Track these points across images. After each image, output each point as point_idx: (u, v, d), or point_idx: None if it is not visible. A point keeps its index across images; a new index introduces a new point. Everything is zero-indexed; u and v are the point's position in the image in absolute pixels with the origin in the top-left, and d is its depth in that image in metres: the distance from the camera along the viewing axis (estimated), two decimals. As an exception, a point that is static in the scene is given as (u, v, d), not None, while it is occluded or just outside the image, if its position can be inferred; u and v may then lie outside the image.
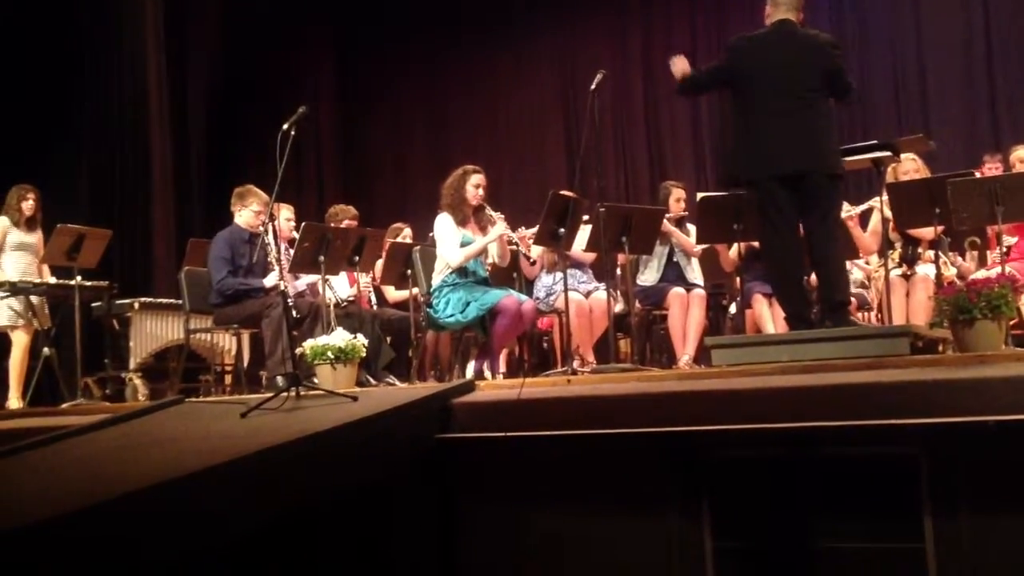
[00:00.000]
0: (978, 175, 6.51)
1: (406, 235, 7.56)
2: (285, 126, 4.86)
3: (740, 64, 5.29)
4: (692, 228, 6.83)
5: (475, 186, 6.10)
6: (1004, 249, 6.02)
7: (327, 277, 6.23)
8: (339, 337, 5.36)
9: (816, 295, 5.39)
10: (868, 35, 9.00)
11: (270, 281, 6.24)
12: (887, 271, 6.07)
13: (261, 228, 6.07)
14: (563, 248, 6.28)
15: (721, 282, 7.32)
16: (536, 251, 6.83)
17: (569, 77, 9.95)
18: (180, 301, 6.88)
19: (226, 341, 7.34)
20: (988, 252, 6.44)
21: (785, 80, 5.11)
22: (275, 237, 6.11)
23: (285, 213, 6.80)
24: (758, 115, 5.18)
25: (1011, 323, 5.23)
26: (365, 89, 10.64)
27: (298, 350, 5.32)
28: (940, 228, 6.03)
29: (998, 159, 6.99)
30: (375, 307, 7.16)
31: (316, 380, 5.25)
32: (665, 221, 6.72)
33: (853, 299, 5.85)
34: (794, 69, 5.11)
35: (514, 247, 6.32)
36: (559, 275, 6.69)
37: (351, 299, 6.79)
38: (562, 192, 6.41)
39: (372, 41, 10.53)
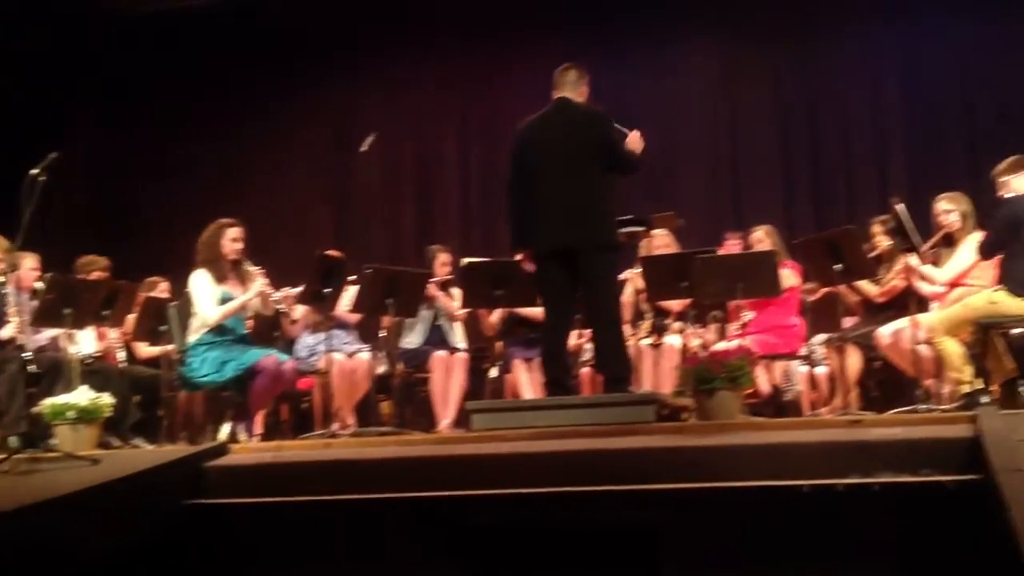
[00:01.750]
0: (721, 252, 6.96)
1: (162, 289, 7.26)
2: (34, 171, 4.61)
3: (522, 145, 5.39)
4: (457, 292, 6.92)
5: (232, 240, 5.94)
6: (743, 323, 6.44)
7: (72, 331, 5.89)
8: (82, 395, 5.08)
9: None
10: (627, 118, 9.47)
11: (5, 333, 5.83)
12: (637, 341, 6.35)
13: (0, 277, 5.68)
14: (328, 308, 6.21)
15: (483, 346, 7.43)
16: (299, 311, 6.73)
17: (340, 136, 9.92)
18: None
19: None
20: (729, 325, 6.86)
21: (558, 157, 5.21)
22: (16, 287, 5.73)
23: (29, 262, 6.39)
24: (535, 191, 5.26)
25: (748, 393, 5.60)
26: (126, 138, 10.22)
27: (36, 409, 4.98)
28: (687, 301, 6.39)
29: (739, 237, 7.49)
30: (125, 364, 6.81)
31: (55, 441, 4.93)
32: (430, 284, 6.78)
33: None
34: (567, 145, 5.22)
35: (279, 307, 6.19)
36: (322, 335, 6.61)
37: (98, 355, 6.44)
38: (328, 252, 6.35)
39: (138, 89, 10.16)
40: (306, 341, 6.94)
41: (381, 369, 6.84)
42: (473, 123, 9.97)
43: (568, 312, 5.34)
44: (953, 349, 5.39)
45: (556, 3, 9.37)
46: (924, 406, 5.38)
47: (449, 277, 7.10)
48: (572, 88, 5.35)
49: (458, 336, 7.04)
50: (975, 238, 5.77)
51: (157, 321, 6.59)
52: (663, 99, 9.16)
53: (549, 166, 5.23)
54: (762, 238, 6.69)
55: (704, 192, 9.23)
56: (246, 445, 5.16)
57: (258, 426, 6.32)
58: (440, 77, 9.99)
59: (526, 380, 6.69)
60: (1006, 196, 5.51)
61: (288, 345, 6.96)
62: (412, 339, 6.91)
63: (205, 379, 5.76)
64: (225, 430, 5.82)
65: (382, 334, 6.96)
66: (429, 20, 9.74)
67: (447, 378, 6.70)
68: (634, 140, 5.35)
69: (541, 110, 5.45)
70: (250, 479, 4.11)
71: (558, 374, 5.31)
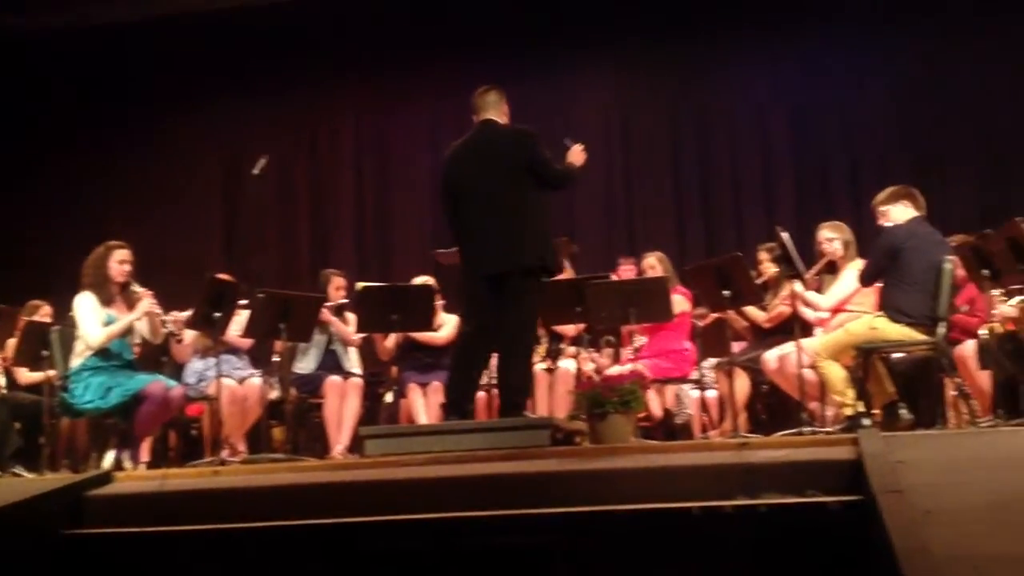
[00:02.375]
0: (614, 278, 7.06)
1: (44, 313, 7.02)
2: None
3: (450, 171, 5.36)
4: (351, 316, 6.87)
5: (120, 262, 5.80)
6: (636, 347, 6.54)
7: (-53, 357, 5.66)
8: (-41, 423, 4.87)
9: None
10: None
11: None
12: (532, 365, 6.38)
13: None
14: (218, 333, 6.10)
15: (378, 371, 7.39)
16: (189, 335, 6.59)
17: (231, 159, 9.78)
18: None
19: None
20: (622, 349, 6.96)
21: (486, 180, 5.17)
22: None
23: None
24: (465, 216, 5.24)
25: (640, 417, 5.68)
26: (8, 159, 9.88)
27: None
28: (581, 325, 6.46)
29: (632, 262, 7.61)
30: (4, 390, 6.57)
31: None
32: (324, 309, 6.71)
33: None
34: (494, 167, 5.17)
35: (167, 330, 6.05)
36: (212, 360, 6.48)
37: (-24, 381, 6.20)
38: (219, 276, 6.24)
39: (24, 110, 9.84)
40: (195, 366, 6.79)
41: (273, 395, 6.74)
42: (367, 146, 9.94)
43: (487, 336, 5.24)
44: (836, 373, 5.55)
45: (447, 27, 9.41)
46: (809, 428, 5.52)
47: (344, 301, 7.04)
48: (494, 109, 5.32)
49: (353, 361, 6.98)
50: (856, 265, 5.97)
51: (39, 346, 6.36)
52: (557, 126, 9.24)
53: (477, 190, 5.19)
54: (654, 264, 6.81)
55: (598, 218, 9.37)
56: (131, 473, 5.01)
57: (145, 454, 6.14)
58: (335, 100, 9.94)
59: (421, 405, 6.67)
60: (886, 225, 5.72)
61: (176, 370, 6.80)
62: (305, 364, 6.83)
63: (89, 405, 5.60)
64: (109, 458, 5.65)
65: (275, 359, 6.86)
66: (316, 44, 9.67)
67: (341, 403, 6.63)
68: (575, 153, 5.38)
69: (466, 134, 5.40)
70: (134, 508, 4.00)
71: (458, 396, 5.24)
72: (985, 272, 5.31)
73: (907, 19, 8.76)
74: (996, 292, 5.65)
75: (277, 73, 9.73)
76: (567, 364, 6.69)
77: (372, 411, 7.13)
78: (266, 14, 9.50)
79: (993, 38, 8.66)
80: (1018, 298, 5.78)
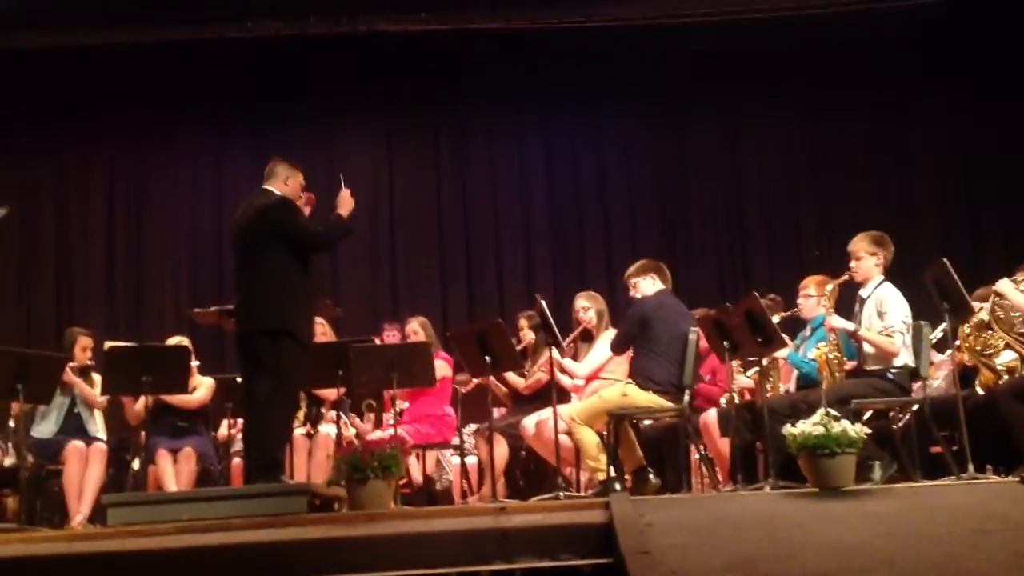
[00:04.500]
0: (378, 342, 7.05)
1: None
2: None
3: (230, 232, 5.61)
4: (97, 378, 6.52)
5: None
6: (398, 412, 6.53)
7: None
8: None
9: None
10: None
11: None
12: (291, 430, 6.24)
13: None
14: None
15: (126, 436, 7.02)
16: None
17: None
18: None
19: None
20: (384, 414, 6.92)
21: (240, 244, 5.41)
22: None
23: None
24: (234, 277, 5.48)
25: (401, 482, 5.66)
26: None
27: None
28: (342, 390, 6.39)
29: (396, 327, 7.63)
30: None
31: None
32: (68, 369, 6.34)
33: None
34: (246, 232, 5.38)
35: None
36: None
37: None
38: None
39: None
40: (-83, 430, 6.24)
41: (8, 461, 6.27)
42: (120, 200, 9.54)
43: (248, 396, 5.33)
44: (590, 439, 5.74)
45: (208, 83, 9.23)
46: (564, 493, 5.66)
47: (90, 363, 6.68)
48: (273, 179, 5.52)
49: (98, 425, 6.61)
50: (610, 335, 6.23)
51: None
52: (327, 189, 9.26)
53: (238, 252, 5.45)
54: (417, 329, 6.85)
55: (363, 282, 9.37)
56: None
57: None
58: (88, 153, 9.52)
59: (171, 472, 6.39)
60: (636, 296, 6.02)
61: None
62: (45, 428, 6.41)
63: None
64: None
65: (11, 423, 6.40)
66: (71, 97, 9.24)
67: (83, 470, 6.27)
68: (343, 200, 5.58)
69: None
70: None
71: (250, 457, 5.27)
72: (726, 344, 5.66)
73: (659, 96, 9.34)
74: (735, 363, 6.03)
75: (29, 122, 9.23)
76: (327, 429, 6.59)
77: (118, 479, 6.76)
78: (23, 61, 8.95)
79: (736, 114, 9.40)
80: (754, 369, 6.19)
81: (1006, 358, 5.57)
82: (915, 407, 5.50)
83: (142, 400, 6.46)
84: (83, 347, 6.72)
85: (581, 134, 9.50)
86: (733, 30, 8.65)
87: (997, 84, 8.87)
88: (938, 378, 6.03)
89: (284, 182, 5.51)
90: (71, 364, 6.45)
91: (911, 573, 3.31)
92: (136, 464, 6.75)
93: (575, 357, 6.44)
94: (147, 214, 9.50)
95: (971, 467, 5.01)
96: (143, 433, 6.59)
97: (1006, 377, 5.49)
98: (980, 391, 5.62)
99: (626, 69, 9.11)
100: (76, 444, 6.34)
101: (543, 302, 6.11)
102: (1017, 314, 5.48)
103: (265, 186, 5.51)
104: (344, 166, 9.40)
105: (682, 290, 6.53)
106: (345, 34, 8.78)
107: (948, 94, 9.11)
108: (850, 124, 9.38)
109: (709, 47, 8.82)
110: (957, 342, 5.61)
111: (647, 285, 6.01)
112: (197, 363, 6.74)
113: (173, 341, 6.76)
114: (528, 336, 6.77)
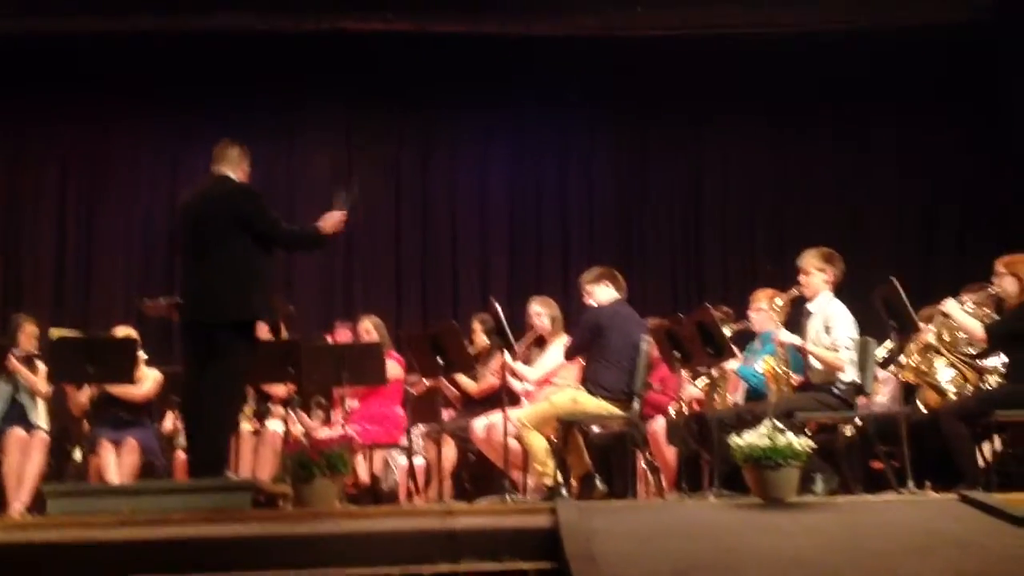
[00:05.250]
0: (330, 340, 7.01)
1: None
2: None
3: (179, 218, 5.40)
4: (42, 366, 6.42)
5: None
6: (347, 411, 6.49)
7: None
8: None
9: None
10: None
11: None
12: (237, 424, 6.19)
13: None
14: None
15: (68, 425, 6.91)
16: None
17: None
18: None
19: None
20: (332, 412, 6.88)
21: (197, 232, 5.16)
22: None
23: None
24: (184, 265, 5.31)
25: (349, 482, 5.62)
26: None
27: None
28: (292, 387, 6.35)
29: (348, 325, 7.59)
30: None
31: None
32: (11, 356, 6.24)
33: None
34: (205, 220, 5.15)
35: None
36: None
37: None
38: None
39: None
40: None
41: (-55, 448, 6.16)
42: (72, 189, 9.38)
43: (195, 387, 5.14)
44: (539, 444, 5.75)
45: (168, 76, 9.11)
46: (510, 497, 5.67)
47: (34, 351, 6.57)
48: (231, 165, 5.29)
49: (40, 414, 6.51)
50: (562, 340, 6.25)
51: None
52: (285, 186, 9.19)
53: (193, 240, 5.19)
54: (370, 328, 6.82)
55: (315, 280, 9.30)
56: None
57: None
58: (40, 140, 9.35)
59: (113, 464, 6.32)
60: (591, 303, 6.04)
61: None
62: (-14, 416, 6.30)
63: None
64: None
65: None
66: (23, 84, 9.07)
67: (23, 459, 6.19)
68: (330, 219, 5.33)
69: (199, 184, 5.40)
70: None
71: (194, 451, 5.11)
72: (677, 354, 5.69)
73: (623, 107, 9.40)
74: (685, 373, 6.07)
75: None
76: (275, 425, 6.54)
77: (59, 469, 6.66)
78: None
79: (697, 127, 9.48)
80: (704, 380, 6.25)
81: (947, 376, 5.68)
82: (859, 422, 5.58)
83: (86, 390, 6.38)
84: (28, 334, 6.61)
85: (543, 140, 9.51)
86: (699, 43, 8.75)
87: (959, 110, 9.03)
88: (882, 394, 6.12)
89: (239, 167, 5.32)
90: (14, 351, 6.35)
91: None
92: (78, 455, 6.64)
93: (527, 362, 6.45)
94: (101, 203, 9.34)
95: (911, 483, 5.10)
96: (86, 423, 6.49)
97: (952, 396, 5.59)
98: (923, 409, 5.72)
99: (590, 79, 9.16)
100: (17, 432, 6.25)
101: (497, 305, 6.11)
102: (962, 335, 5.58)
103: (221, 170, 5.28)
104: (305, 164, 9.42)
105: (636, 299, 6.56)
106: (310, 31, 8.72)
107: (909, 117, 9.24)
108: (811, 142, 9.49)
109: (674, 61, 8.89)
110: (903, 359, 5.70)
111: (601, 292, 6.04)
112: (145, 356, 6.66)
113: (120, 332, 6.68)
114: (481, 339, 6.77)
